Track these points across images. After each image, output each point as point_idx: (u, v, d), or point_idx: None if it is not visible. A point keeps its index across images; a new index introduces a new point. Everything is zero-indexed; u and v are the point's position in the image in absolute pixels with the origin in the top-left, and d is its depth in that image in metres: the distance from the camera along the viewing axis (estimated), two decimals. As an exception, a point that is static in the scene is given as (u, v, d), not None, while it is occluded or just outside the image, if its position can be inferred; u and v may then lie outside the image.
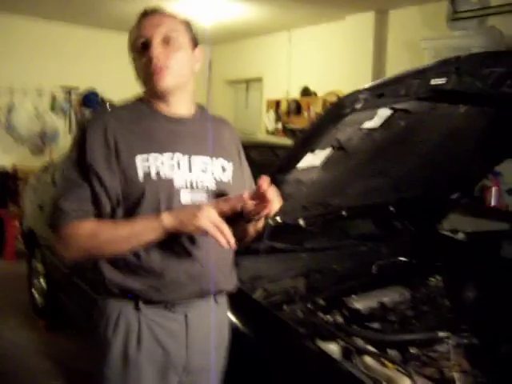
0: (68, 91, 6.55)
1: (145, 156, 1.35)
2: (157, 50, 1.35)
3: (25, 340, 3.56)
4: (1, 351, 3.38)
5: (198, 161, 1.42)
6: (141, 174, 1.33)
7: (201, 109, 1.55)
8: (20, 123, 6.08)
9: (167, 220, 1.30)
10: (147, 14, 1.42)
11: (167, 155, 1.37)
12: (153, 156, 1.35)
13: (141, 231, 1.32)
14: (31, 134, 6.17)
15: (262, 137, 5.60)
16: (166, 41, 1.38)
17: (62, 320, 3.58)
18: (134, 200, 1.34)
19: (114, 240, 1.33)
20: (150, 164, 1.34)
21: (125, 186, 1.34)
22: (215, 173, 1.45)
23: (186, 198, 1.37)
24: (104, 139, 1.34)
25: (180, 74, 1.40)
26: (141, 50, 1.37)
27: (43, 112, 6.33)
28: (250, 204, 1.34)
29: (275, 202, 1.34)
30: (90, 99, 6.57)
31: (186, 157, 1.40)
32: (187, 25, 1.46)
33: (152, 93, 1.42)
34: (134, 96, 1.49)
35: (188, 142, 1.43)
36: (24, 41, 6.19)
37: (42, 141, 6.32)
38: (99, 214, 1.36)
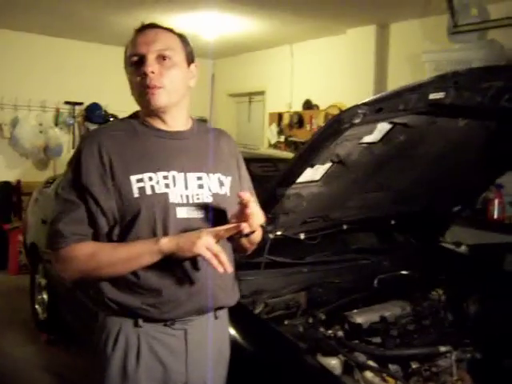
0: (72, 106, 6.59)
1: (139, 176, 1.35)
2: (151, 67, 1.35)
3: (27, 354, 3.55)
4: (2, 365, 3.37)
5: (194, 177, 1.42)
6: (136, 191, 1.34)
7: (197, 122, 1.54)
8: (24, 138, 6.10)
9: (166, 245, 1.30)
10: (142, 29, 1.42)
11: (161, 174, 1.37)
12: (147, 176, 1.35)
13: (139, 254, 1.32)
14: (35, 148, 6.19)
15: (265, 150, 5.62)
16: (161, 58, 1.37)
17: (64, 334, 3.58)
18: (129, 216, 1.34)
19: (113, 263, 1.33)
20: (145, 184, 1.34)
21: (120, 203, 1.34)
22: (212, 187, 1.44)
23: (182, 213, 1.37)
24: (98, 159, 1.35)
25: (174, 91, 1.40)
26: (135, 66, 1.37)
27: (47, 127, 6.36)
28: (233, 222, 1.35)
29: (255, 217, 1.32)
30: (94, 113, 6.60)
31: (182, 174, 1.40)
32: (183, 40, 1.45)
33: (146, 110, 1.42)
34: (129, 113, 1.50)
35: (184, 158, 1.43)
36: (28, 57, 6.25)
37: (46, 155, 6.35)
38: (96, 234, 1.36)
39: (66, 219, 1.34)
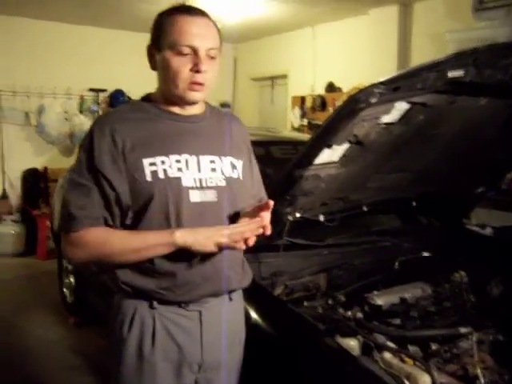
0: (96, 93, 6.66)
1: (151, 160, 1.34)
2: (205, 65, 1.35)
3: (56, 336, 3.65)
4: (33, 348, 3.47)
5: (207, 160, 1.42)
6: (148, 175, 1.34)
7: (210, 106, 1.54)
8: (50, 125, 6.20)
9: (180, 239, 1.31)
10: (191, 13, 1.37)
11: (173, 157, 1.37)
12: (159, 159, 1.35)
13: (152, 245, 1.33)
14: (61, 135, 6.29)
15: (286, 132, 5.60)
16: (210, 56, 1.37)
17: (92, 316, 3.66)
18: (142, 200, 1.34)
19: (125, 251, 1.34)
20: (158, 167, 1.34)
21: (133, 187, 1.34)
22: (225, 170, 1.44)
23: (195, 196, 1.37)
24: (111, 142, 1.34)
25: (209, 88, 1.41)
26: (183, 57, 1.35)
27: (72, 114, 6.44)
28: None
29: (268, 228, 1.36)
30: (118, 100, 6.66)
31: (194, 157, 1.40)
32: (220, 34, 1.43)
33: (169, 96, 1.41)
34: (140, 96, 1.50)
35: (197, 141, 1.43)
36: (52, 45, 6.33)
37: (72, 142, 6.44)
38: (110, 218, 1.37)
39: (79, 202, 1.34)
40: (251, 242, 1.33)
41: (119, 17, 6.05)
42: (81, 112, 6.56)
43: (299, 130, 6.53)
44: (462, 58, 1.64)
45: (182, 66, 1.35)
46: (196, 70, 1.34)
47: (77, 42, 6.49)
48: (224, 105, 6.98)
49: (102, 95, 6.72)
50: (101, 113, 6.75)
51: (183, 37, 1.34)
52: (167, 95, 1.42)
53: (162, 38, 1.37)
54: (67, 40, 6.43)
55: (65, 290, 4.14)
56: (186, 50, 1.34)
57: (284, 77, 7.10)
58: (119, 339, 1.41)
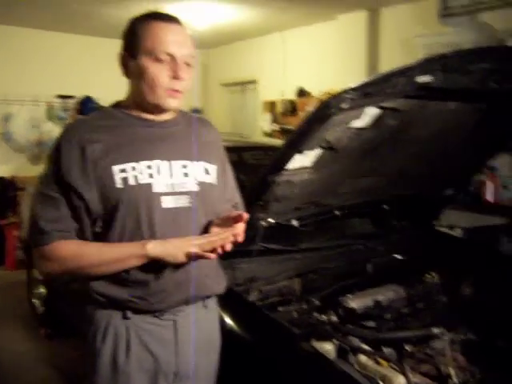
0: (64, 100, 6.56)
1: (122, 166, 1.33)
2: (183, 73, 1.35)
3: (27, 348, 3.57)
4: (3, 360, 3.38)
5: (179, 165, 1.41)
6: (119, 182, 1.32)
7: (182, 112, 1.53)
8: (17, 133, 6.09)
9: (152, 250, 1.31)
10: (167, 21, 1.37)
11: (144, 163, 1.36)
12: (129, 166, 1.34)
13: (125, 257, 1.32)
14: (29, 143, 6.18)
15: (257, 138, 5.62)
16: (186, 63, 1.37)
17: (63, 327, 3.59)
18: (112, 208, 1.32)
19: (98, 263, 1.33)
20: (128, 174, 1.33)
21: (103, 194, 1.32)
22: (198, 175, 1.44)
23: (167, 202, 1.36)
24: (79, 151, 1.33)
25: (184, 95, 1.41)
26: (160, 64, 1.34)
27: (40, 121, 6.33)
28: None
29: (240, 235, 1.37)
30: (87, 106, 6.57)
31: (166, 162, 1.39)
32: (193, 41, 1.43)
33: (144, 103, 1.39)
34: (109, 103, 1.48)
35: (168, 146, 1.42)
36: (19, 51, 6.21)
37: (40, 150, 6.32)
38: (80, 228, 1.35)
39: (48, 215, 1.33)
40: (226, 248, 1.34)
41: (88, 22, 5.98)
42: (49, 119, 6.45)
43: (270, 134, 6.56)
44: (430, 63, 1.67)
45: (160, 72, 1.34)
46: (175, 76, 1.34)
47: (44, 48, 6.39)
48: (194, 111, 6.96)
49: (70, 102, 6.62)
50: (69, 120, 6.66)
51: (160, 44, 1.34)
52: (140, 102, 1.40)
53: (136, 45, 1.36)
54: (34, 46, 6.32)
55: (35, 300, 4.05)
56: (164, 57, 1.34)
57: (254, 82, 7.12)
58: (93, 350, 1.39)
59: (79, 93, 6.59)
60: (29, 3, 5.13)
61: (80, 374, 2.99)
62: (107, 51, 6.60)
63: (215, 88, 7.75)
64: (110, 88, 6.31)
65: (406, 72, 1.63)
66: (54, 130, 6.40)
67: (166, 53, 1.34)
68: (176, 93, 1.37)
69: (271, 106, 6.63)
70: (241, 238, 1.37)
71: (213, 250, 1.33)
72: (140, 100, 1.40)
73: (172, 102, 1.38)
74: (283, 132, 6.34)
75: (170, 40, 1.34)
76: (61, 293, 3.34)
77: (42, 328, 3.84)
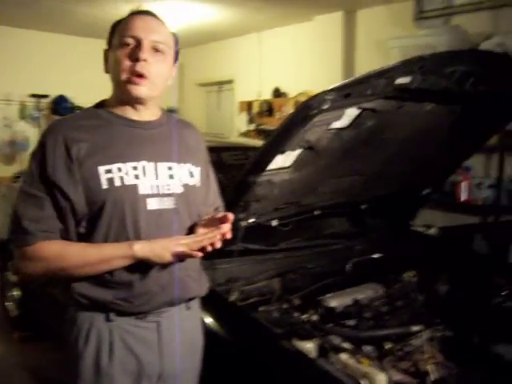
0: (37, 99, 6.46)
1: (107, 167, 1.31)
2: (145, 54, 1.32)
3: (0, 352, 3.50)
4: (-25, 365, 3.32)
5: (165, 167, 1.40)
6: (105, 182, 1.30)
7: (166, 113, 1.53)
8: (-11, 132, 5.99)
9: (139, 251, 1.30)
10: (141, 13, 1.38)
11: (130, 164, 1.34)
12: (115, 166, 1.32)
13: (110, 258, 1.30)
14: (1, 143, 6.08)
15: (235, 139, 5.62)
16: (154, 49, 1.35)
17: (38, 331, 3.53)
18: (97, 209, 1.31)
19: (82, 264, 1.31)
20: (114, 174, 1.31)
21: (89, 195, 1.30)
22: (182, 178, 1.43)
23: (152, 204, 1.35)
24: (64, 151, 1.30)
25: (156, 85, 1.38)
26: (126, 48, 1.33)
27: (13, 120, 6.24)
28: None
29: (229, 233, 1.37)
30: (61, 106, 6.49)
31: (152, 163, 1.38)
32: (175, 39, 1.44)
33: (121, 98, 1.39)
34: (94, 103, 1.47)
35: (154, 147, 1.41)
36: (-10, 49, 6.11)
37: (12, 149, 6.22)
38: (65, 229, 1.33)
39: (32, 215, 1.30)
40: (216, 246, 1.35)
41: (62, 21, 5.89)
42: (22, 119, 6.35)
43: (246, 135, 6.56)
44: (409, 65, 1.70)
45: (123, 56, 1.33)
46: (135, 57, 1.31)
47: (17, 46, 6.27)
48: (170, 111, 6.91)
49: (43, 101, 6.52)
50: (43, 119, 6.56)
51: (128, 29, 1.34)
52: (118, 96, 1.39)
53: (113, 39, 1.38)
54: (6, 44, 6.21)
55: (7, 303, 3.98)
56: (129, 41, 1.33)
57: (230, 82, 7.12)
58: (75, 353, 1.37)
59: (53, 92, 6.50)
60: (2, 0, 5.04)
61: (55, 378, 2.98)
62: (82, 50, 6.61)
63: (191, 88, 7.72)
64: (85, 87, 6.29)
65: (386, 73, 1.66)
66: (26, 130, 6.32)
67: (130, 36, 1.33)
68: (138, 78, 1.32)
69: (248, 106, 6.64)
70: (229, 236, 1.36)
71: (201, 249, 1.33)
72: (116, 93, 1.39)
73: (136, 89, 1.33)
74: (259, 132, 6.36)
75: (137, 26, 1.34)
76: (37, 295, 3.29)
77: (15, 331, 3.77)
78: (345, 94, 1.64)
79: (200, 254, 1.33)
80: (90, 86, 6.44)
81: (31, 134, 6.41)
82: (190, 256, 1.32)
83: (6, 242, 3.72)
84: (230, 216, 1.37)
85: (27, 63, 6.29)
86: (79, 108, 6.40)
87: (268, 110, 6.30)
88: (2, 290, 4.05)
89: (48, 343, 3.42)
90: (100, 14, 5.20)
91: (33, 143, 6.34)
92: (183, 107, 7.72)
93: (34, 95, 6.44)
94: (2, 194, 4.21)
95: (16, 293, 3.82)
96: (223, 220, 1.36)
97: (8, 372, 3.23)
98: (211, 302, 1.75)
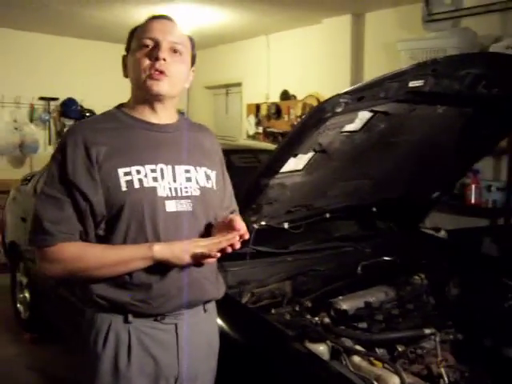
0: (47, 101, 6.49)
1: (126, 169, 1.33)
2: (164, 54, 1.36)
3: (11, 354, 3.52)
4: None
5: (182, 170, 1.42)
6: (124, 185, 1.32)
7: (182, 117, 1.55)
8: (-1, 135, 6.01)
9: (159, 252, 1.31)
10: (159, 18, 1.42)
11: (149, 167, 1.36)
12: (134, 169, 1.34)
13: (130, 259, 1.32)
14: (10, 145, 6.09)
15: (244, 141, 5.62)
16: (173, 50, 1.39)
17: (48, 332, 3.55)
18: (117, 211, 1.32)
19: (101, 266, 1.32)
20: (133, 177, 1.33)
21: (108, 197, 1.32)
22: (200, 181, 1.45)
23: (170, 206, 1.37)
24: (85, 153, 1.32)
25: (175, 84, 1.41)
26: (145, 49, 1.37)
27: (22, 123, 6.26)
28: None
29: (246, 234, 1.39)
30: (70, 108, 6.52)
31: (170, 166, 1.40)
32: (192, 43, 1.48)
33: (140, 96, 1.41)
34: (106, 107, 1.49)
35: (171, 150, 1.43)
36: (0, 52, 6.13)
37: (22, 152, 6.25)
38: (84, 230, 1.35)
39: (52, 217, 1.31)
40: (235, 247, 1.35)
41: (70, 24, 5.92)
42: (31, 121, 6.39)
43: (254, 137, 6.57)
44: (422, 68, 1.70)
45: (143, 57, 1.37)
46: (156, 58, 1.35)
47: (25, 49, 6.30)
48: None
49: (53, 104, 6.56)
50: (52, 122, 6.60)
51: (146, 32, 1.39)
52: (137, 97, 1.42)
53: (132, 43, 1.42)
54: (15, 47, 6.23)
55: (19, 305, 4.00)
56: (148, 42, 1.37)
57: (238, 85, 7.13)
58: (93, 355, 1.37)
59: (62, 95, 6.53)
60: (11, 4, 5.08)
61: (66, 379, 3.00)
62: (91, 53, 6.65)
63: (199, 90, 7.74)
64: (94, 90, 6.33)
65: (399, 76, 1.67)
66: (36, 133, 6.35)
67: (149, 38, 1.37)
68: (157, 74, 1.35)
69: (256, 108, 6.65)
70: (247, 235, 1.38)
71: (221, 251, 1.33)
72: (136, 95, 1.43)
73: (156, 84, 1.36)
74: (268, 135, 6.37)
75: (155, 28, 1.39)
76: (48, 297, 3.31)
77: (26, 333, 3.79)
78: (358, 97, 1.64)
79: (219, 255, 1.33)
80: (98, 89, 6.53)
81: (40, 136, 6.45)
82: (209, 257, 1.33)
83: (17, 244, 3.76)
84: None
85: (36, 66, 6.32)
86: (88, 110, 6.45)
87: (276, 112, 6.31)
88: (13, 290, 4.08)
89: (58, 345, 3.45)
90: (109, 17, 5.23)
91: (42, 146, 6.39)
92: (191, 110, 7.73)
93: (43, 98, 6.47)
94: (12, 197, 4.23)
95: (26, 294, 3.84)
96: (234, 225, 1.37)
97: (19, 373, 3.25)
98: (223, 304, 1.76)
